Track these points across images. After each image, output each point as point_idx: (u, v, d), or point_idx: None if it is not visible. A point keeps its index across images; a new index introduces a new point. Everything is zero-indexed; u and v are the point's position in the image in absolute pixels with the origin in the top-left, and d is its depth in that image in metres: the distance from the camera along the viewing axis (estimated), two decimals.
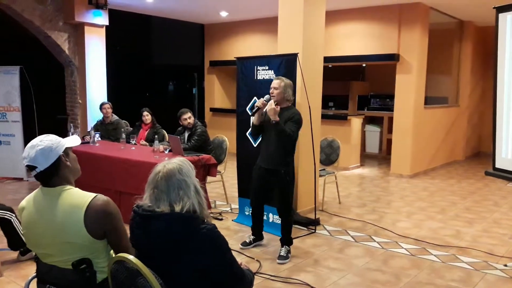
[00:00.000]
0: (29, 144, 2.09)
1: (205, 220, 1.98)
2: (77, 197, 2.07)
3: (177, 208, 1.93)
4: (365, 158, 10.51)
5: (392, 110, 8.85)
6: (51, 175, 2.08)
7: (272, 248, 4.69)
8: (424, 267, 4.29)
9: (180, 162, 2.04)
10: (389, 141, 9.53)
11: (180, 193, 1.95)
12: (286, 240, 4.51)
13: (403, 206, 6.50)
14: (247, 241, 4.74)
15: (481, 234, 5.27)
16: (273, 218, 5.21)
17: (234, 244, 4.69)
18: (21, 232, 4.10)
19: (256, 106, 4.35)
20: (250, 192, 4.74)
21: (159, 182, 1.96)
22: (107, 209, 2.06)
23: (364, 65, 11.33)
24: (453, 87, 10.27)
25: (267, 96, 4.39)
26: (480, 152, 11.45)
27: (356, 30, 8.86)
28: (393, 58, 8.38)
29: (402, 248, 4.78)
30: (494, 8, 4.70)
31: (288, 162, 4.40)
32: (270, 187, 4.46)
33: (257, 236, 4.79)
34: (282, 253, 4.43)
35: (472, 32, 10.13)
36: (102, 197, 2.08)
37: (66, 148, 2.14)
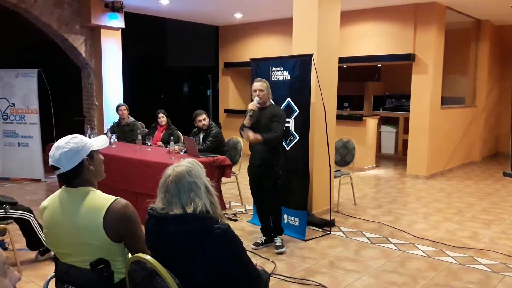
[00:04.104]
0: (55, 144, 2.11)
1: (219, 220, 1.98)
2: (98, 199, 2.09)
3: (189, 210, 1.93)
4: (381, 159, 10.44)
5: (408, 111, 8.78)
6: (73, 177, 2.11)
7: (287, 249, 4.69)
8: (441, 269, 4.24)
9: (189, 164, 2.04)
10: (405, 142, 9.45)
11: (191, 195, 1.95)
12: (279, 231, 4.74)
13: (419, 207, 6.44)
14: (259, 241, 4.76)
15: (499, 236, 5.20)
16: (287, 219, 5.20)
17: (248, 245, 4.70)
18: (40, 232, 4.17)
19: (251, 110, 4.44)
20: (251, 192, 4.84)
21: (170, 186, 1.97)
22: (126, 213, 2.08)
23: (379, 65, 11.26)
24: (470, 87, 10.15)
25: (257, 99, 4.51)
26: (497, 153, 11.30)
27: (371, 30, 8.81)
28: (409, 58, 8.32)
29: (419, 249, 4.73)
30: None
31: (279, 157, 4.63)
32: (262, 182, 4.62)
33: (268, 237, 4.80)
34: (278, 243, 4.66)
35: (489, 31, 10.00)
36: (122, 201, 2.10)
37: (92, 151, 2.15)
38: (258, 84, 4.53)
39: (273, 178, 4.58)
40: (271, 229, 4.80)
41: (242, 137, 4.65)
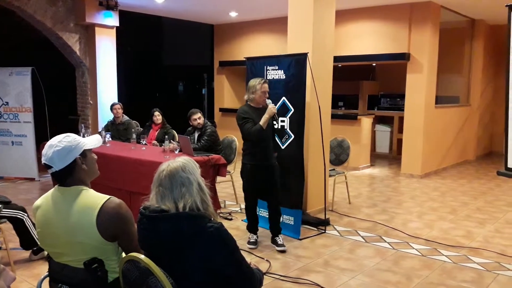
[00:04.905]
0: (48, 143, 2.11)
1: (212, 219, 1.98)
2: (91, 199, 2.09)
3: (180, 205, 1.94)
4: (375, 158, 10.47)
5: (403, 110, 8.81)
6: (65, 176, 2.10)
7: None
8: (435, 267, 4.26)
9: (184, 161, 2.05)
10: (400, 141, 9.47)
11: (182, 190, 1.96)
12: (280, 229, 4.80)
13: (414, 206, 6.46)
14: (252, 240, 4.78)
15: (493, 235, 5.23)
16: (282, 218, 5.19)
17: (243, 244, 4.70)
18: (33, 231, 4.15)
19: (274, 113, 4.47)
20: (249, 193, 4.79)
21: (163, 180, 1.98)
22: (119, 212, 2.07)
23: (374, 64, 11.28)
24: (464, 86, 10.19)
25: (270, 101, 4.57)
26: (491, 151, 11.35)
27: (366, 29, 8.82)
28: (404, 57, 8.33)
29: (413, 248, 4.75)
30: (506, 6, 4.65)
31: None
32: (269, 182, 4.67)
33: (256, 234, 4.87)
34: (280, 242, 4.70)
35: (483, 30, 10.04)
36: (115, 200, 2.10)
37: (85, 150, 2.14)
38: (267, 86, 4.56)
39: (278, 176, 4.72)
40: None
41: (256, 138, 4.50)
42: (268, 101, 4.53)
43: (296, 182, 5.17)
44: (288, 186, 5.13)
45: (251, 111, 4.54)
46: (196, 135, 6.06)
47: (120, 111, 7.29)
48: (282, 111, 5.25)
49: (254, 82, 4.55)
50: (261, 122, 4.41)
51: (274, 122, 4.73)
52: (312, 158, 5.55)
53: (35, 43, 9.60)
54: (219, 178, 5.70)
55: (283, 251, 4.59)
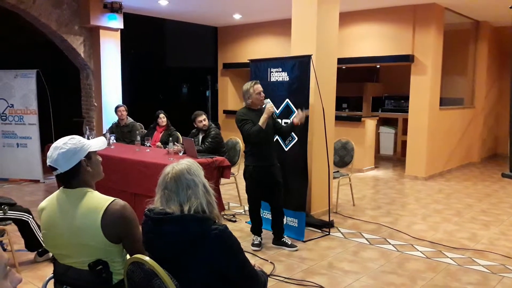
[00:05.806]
0: (53, 145, 2.12)
1: (216, 221, 1.98)
2: (96, 200, 2.09)
3: (186, 208, 1.94)
4: (380, 160, 10.44)
5: (407, 112, 8.79)
6: (70, 178, 2.11)
7: (286, 250, 4.69)
8: (440, 270, 4.24)
9: (188, 163, 2.06)
10: (404, 143, 9.45)
11: (188, 193, 1.96)
12: (283, 230, 4.83)
13: (418, 208, 6.44)
14: (256, 242, 4.77)
15: (498, 237, 5.20)
16: (286, 220, 5.19)
17: (247, 246, 4.70)
18: (38, 233, 4.16)
19: (272, 112, 4.51)
20: (252, 195, 4.80)
21: (169, 183, 1.98)
22: (124, 214, 2.08)
23: (378, 66, 11.27)
24: (469, 88, 10.16)
25: (268, 100, 4.63)
26: (496, 154, 11.31)
27: (370, 31, 8.81)
28: (408, 59, 8.32)
29: (418, 250, 4.74)
30: (511, 7, 4.65)
31: None
32: (271, 183, 4.69)
33: (260, 236, 4.87)
34: (290, 242, 4.77)
35: (487, 32, 10.02)
36: (119, 202, 2.10)
37: (90, 152, 2.15)
38: (260, 87, 4.59)
39: (280, 178, 4.72)
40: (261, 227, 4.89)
41: (256, 138, 4.50)
42: (266, 100, 4.55)
43: (300, 184, 5.16)
44: (291, 188, 5.13)
45: (249, 113, 4.57)
46: (200, 137, 6.07)
47: (125, 113, 7.31)
48: (286, 113, 5.25)
49: (246, 86, 4.60)
50: (260, 122, 4.42)
51: (278, 121, 4.75)
52: (316, 160, 5.54)
53: (40, 45, 9.64)
54: (223, 180, 5.71)
55: (296, 250, 4.64)
